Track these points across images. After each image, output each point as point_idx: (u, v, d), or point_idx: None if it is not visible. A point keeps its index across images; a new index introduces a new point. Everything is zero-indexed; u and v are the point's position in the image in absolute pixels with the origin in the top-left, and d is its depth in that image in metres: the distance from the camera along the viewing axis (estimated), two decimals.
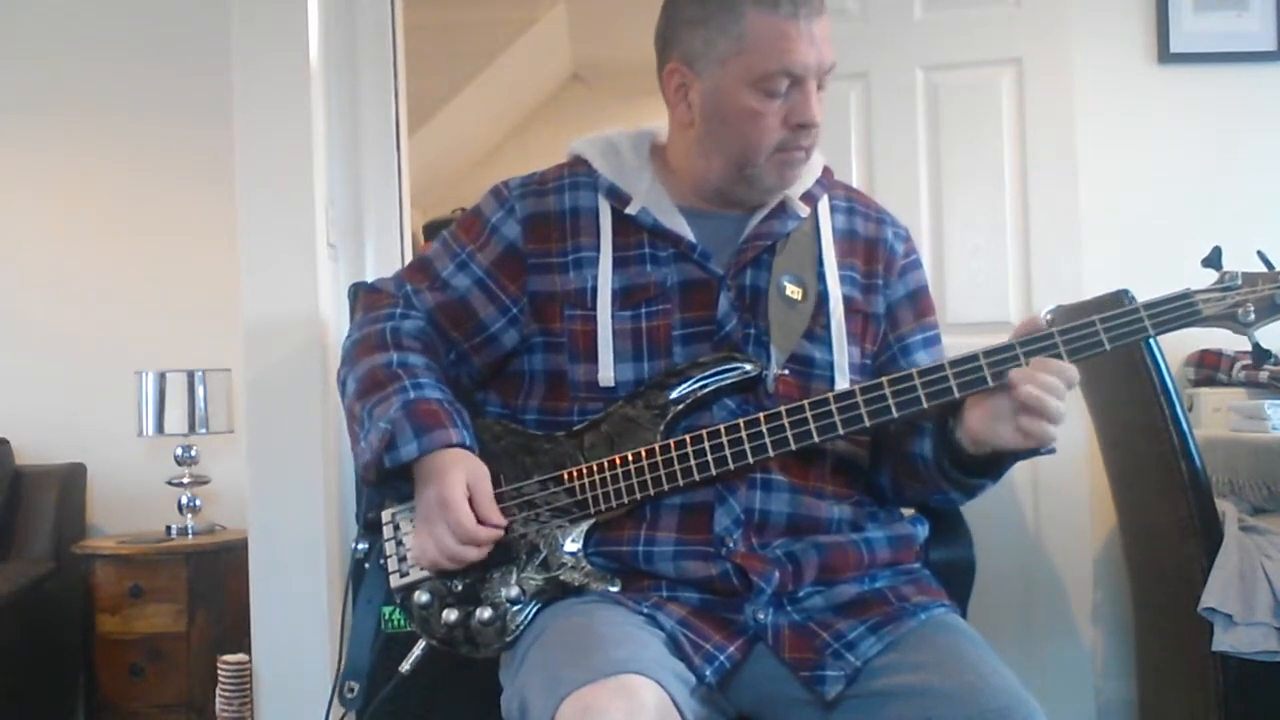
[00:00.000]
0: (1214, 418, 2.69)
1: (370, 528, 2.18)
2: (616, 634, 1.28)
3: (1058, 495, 2.78)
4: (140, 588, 2.99)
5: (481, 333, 1.53)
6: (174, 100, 3.45)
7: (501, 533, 1.40)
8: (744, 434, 1.38)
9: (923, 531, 1.54)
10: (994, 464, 1.45)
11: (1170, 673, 2.39)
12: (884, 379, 1.37)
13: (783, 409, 1.38)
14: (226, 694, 2.38)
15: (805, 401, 1.38)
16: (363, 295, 1.62)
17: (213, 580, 3.03)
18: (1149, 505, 2.31)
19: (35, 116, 3.50)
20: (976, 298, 2.81)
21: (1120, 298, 2.06)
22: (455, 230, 1.59)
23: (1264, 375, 2.76)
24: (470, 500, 1.39)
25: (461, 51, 4.96)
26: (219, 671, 2.40)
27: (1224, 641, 1.99)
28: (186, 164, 3.43)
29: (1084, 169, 2.83)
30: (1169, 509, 2.17)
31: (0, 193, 3.51)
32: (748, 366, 1.43)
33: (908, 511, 1.60)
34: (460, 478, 1.39)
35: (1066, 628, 2.79)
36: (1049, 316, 2.74)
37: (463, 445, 1.41)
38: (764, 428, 1.38)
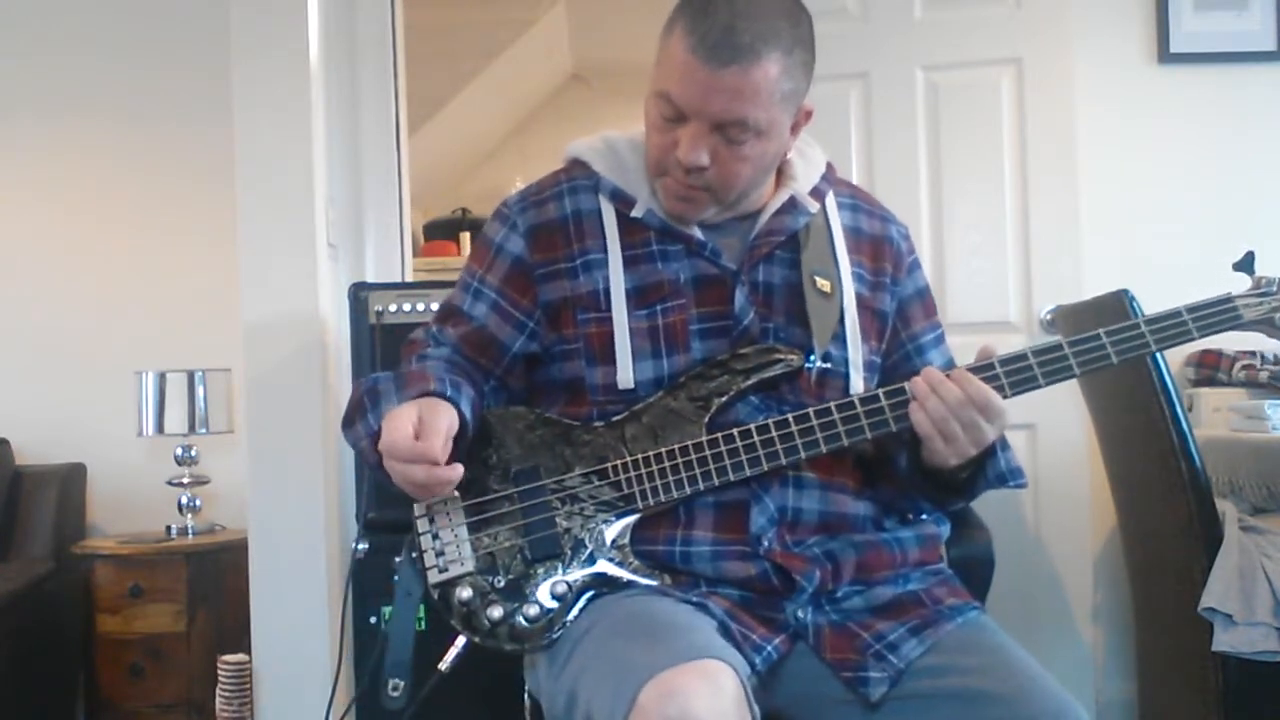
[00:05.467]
0: (1214, 418, 2.69)
1: (370, 527, 2.19)
2: (682, 621, 1.27)
3: (1058, 495, 2.78)
4: (140, 588, 2.99)
5: (506, 355, 1.52)
6: (174, 100, 3.44)
7: (439, 460, 1.32)
8: (794, 429, 1.38)
9: (946, 531, 1.55)
10: (967, 483, 1.46)
11: (1170, 673, 2.39)
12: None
13: (832, 405, 1.39)
14: (226, 694, 2.38)
15: (855, 397, 1.39)
16: (402, 349, 1.62)
17: (213, 580, 3.03)
18: (1149, 505, 2.31)
19: (35, 117, 3.50)
20: (976, 297, 2.82)
21: (1120, 298, 2.06)
22: (468, 262, 1.60)
23: (1264, 375, 2.76)
24: (418, 432, 1.33)
25: (461, 51, 4.96)
26: (219, 671, 2.40)
27: (1224, 641, 1.99)
28: (186, 164, 3.43)
29: (1084, 169, 2.83)
30: (1169, 509, 2.17)
31: (0, 192, 3.51)
32: (791, 359, 1.43)
33: None
34: (413, 407, 1.33)
35: (1066, 628, 2.79)
36: (1049, 317, 2.76)
37: (440, 394, 1.37)
38: (815, 423, 1.38)
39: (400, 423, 1.32)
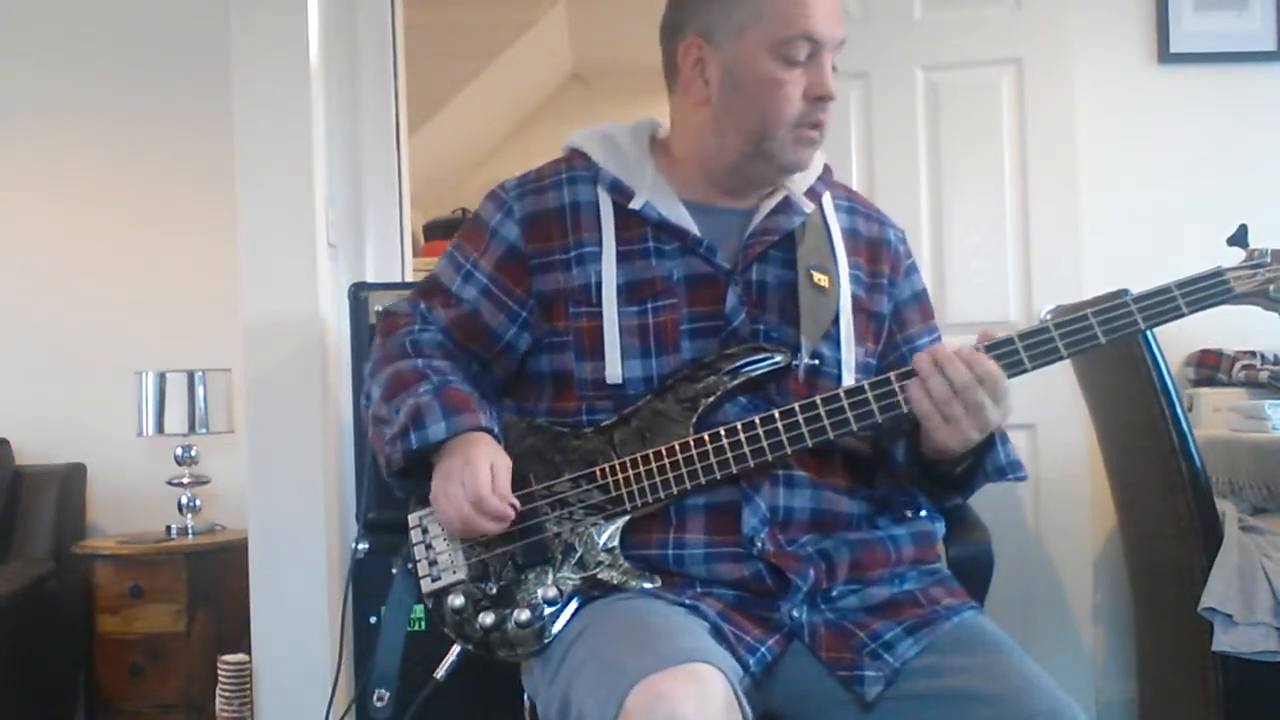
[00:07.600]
0: (1214, 418, 2.70)
1: (370, 527, 2.19)
2: (672, 624, 1.27)
3: (1058, 495, 2.79)
4: (140, 588, 2.99)
5: (497, 342, 1.51)
6: (174, 100, 3.45)
7: (513, 514, 1.38)
8: (779, 424, 1.37)
9: (941, 529, 1.54)
10: (964, 477, 1.46)
11: (1170, 673, 2.39)
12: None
13: (817, 399, 1.38)
14: (226, 694, 2.38)
15: (841, 390, 1.38)
16: (380, 322, 1.60)
17: (213, 580, 3.03)
18: (1149, 505, 2.31)
19: (35, 116, 3.50)
20: (976, 297, 2.82)
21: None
22: (459, 241, 1.57)
23: (1264, 375, 2.76)
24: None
25: (461, 51, 4.96)
26: (219, 671, 2.40)
27: (1224, 641, 1.99)
28: (186, 164, 3.43)
29: (1084, 169, 2.83)
30: (1169, 509, 2.17)
31: (0, 192, 3.51)
32: (777, 358, 1.42)
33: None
34: (485, 455, 1.38)
35: (1066, 628, 2.80)
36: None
37: (490, 432, 1.42)
38: (800, 417, 1.37)
39: (481, 468, 1.37)
